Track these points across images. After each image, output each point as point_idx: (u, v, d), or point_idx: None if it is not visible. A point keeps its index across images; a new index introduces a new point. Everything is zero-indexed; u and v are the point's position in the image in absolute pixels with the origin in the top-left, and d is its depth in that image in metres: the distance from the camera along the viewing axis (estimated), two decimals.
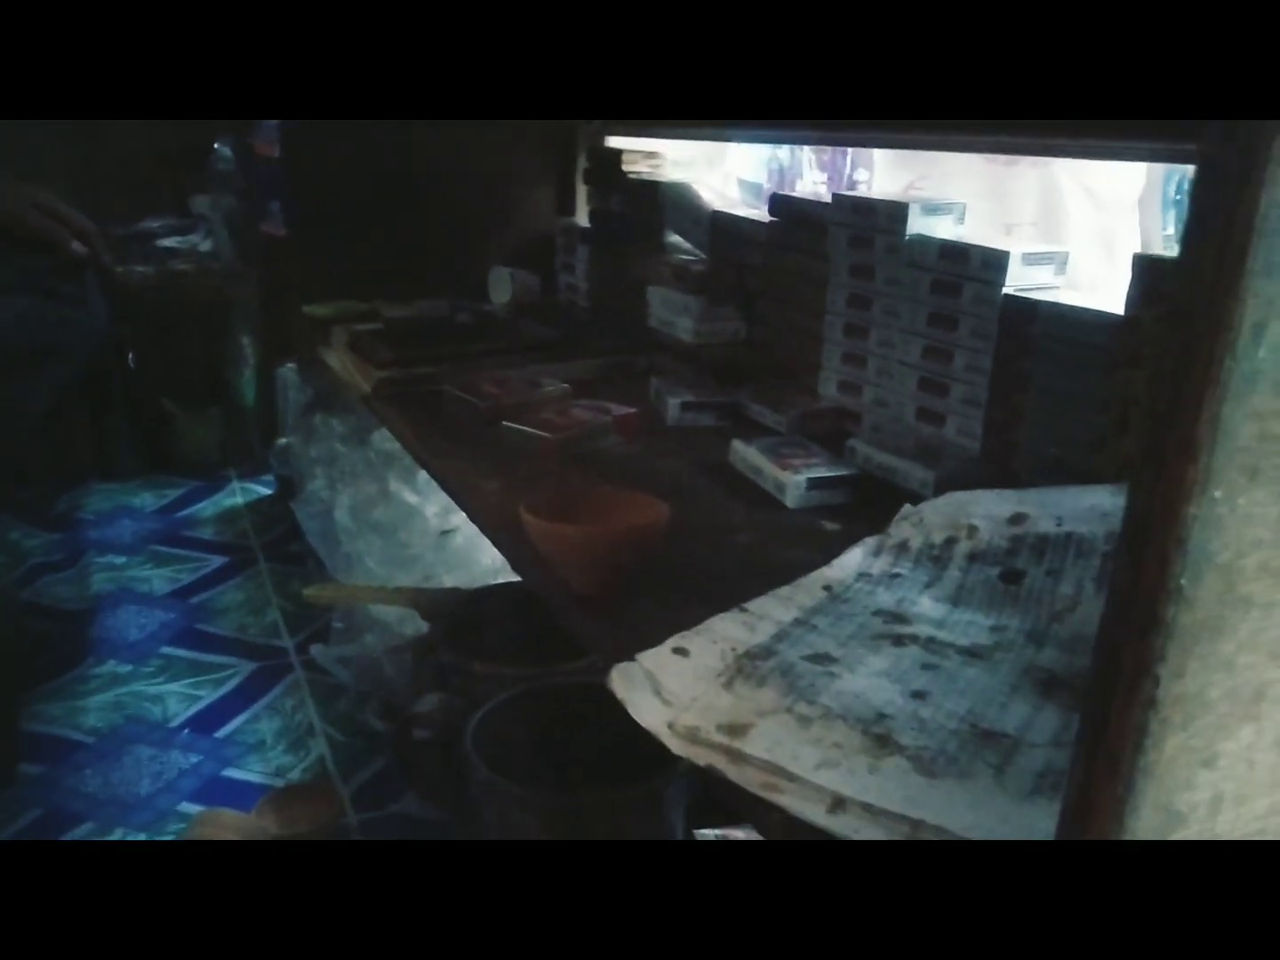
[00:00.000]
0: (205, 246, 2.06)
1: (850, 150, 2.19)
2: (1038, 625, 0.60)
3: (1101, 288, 1.31)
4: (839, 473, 0.81)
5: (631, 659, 0.54)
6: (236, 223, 1.97)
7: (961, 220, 0.93)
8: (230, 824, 1.06)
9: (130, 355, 2.07)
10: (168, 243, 2.06)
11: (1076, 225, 1.75)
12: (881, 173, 1.94)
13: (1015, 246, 0.83)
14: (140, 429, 2.17)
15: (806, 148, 2.32)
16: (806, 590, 0.64)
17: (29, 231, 1.11)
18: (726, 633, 0.57)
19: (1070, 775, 0.28)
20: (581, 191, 1.61)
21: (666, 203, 1.32)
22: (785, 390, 1.07)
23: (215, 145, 1.95)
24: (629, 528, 0.63)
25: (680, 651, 0.55)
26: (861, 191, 2.39)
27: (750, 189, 2.56)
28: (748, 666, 0.53)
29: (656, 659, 0.54)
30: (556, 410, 1.00)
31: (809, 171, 2.44)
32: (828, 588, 0.64)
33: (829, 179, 2.44)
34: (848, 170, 2.42)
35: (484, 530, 0.77)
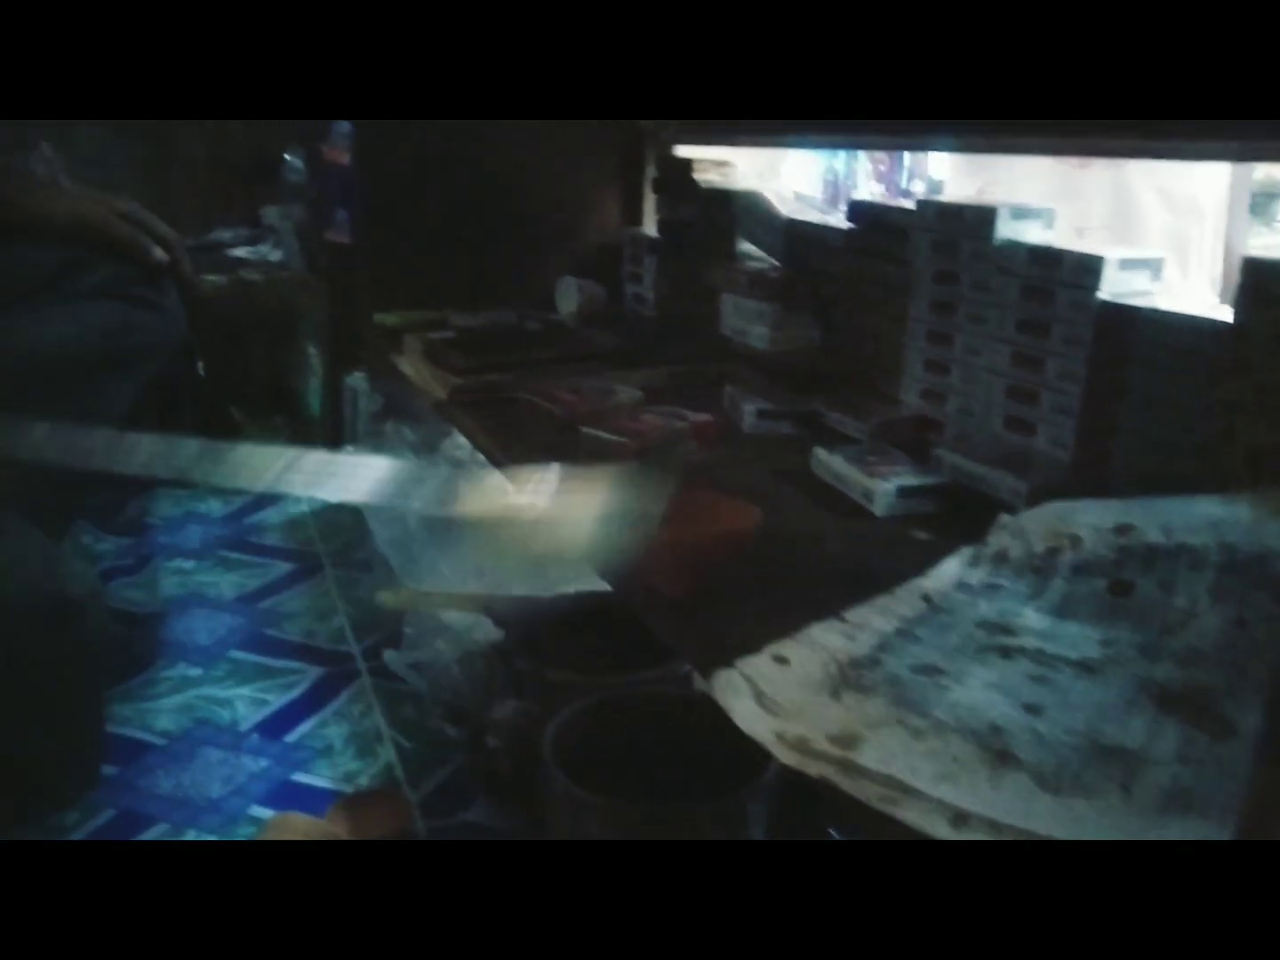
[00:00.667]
0: (275, 257, 2.09)
1: (906, 161, 2.17)
2: (1150, 638, 0.57)
3: (1176, 291, 1.27)
4: (929, 481, 0.79)
5: (730, 665, 0.53)
6: (306, 233, 1.99)
7: (1050, 225, 0.91)
8: (302, 828, 1.06)
9: (200, 363, 2.10)
10: (238, 253, 2.09)
11: (1150, 228, 1.71)
12: (950, 178, 1.92)
13: (1103, 250, 0.81)
14: (207, 437, 2.19)
15: (863, 160, 2.30)
16: (904, 600, 0.62)
17: (112, 238, 1.12)
18: (826, 642, 0.56)
19: (1253, 780, 0.26)
20: (649, 201, 1.60)
21: (739, 211, 1.31)
22: (864, 398, 1.05)
23: (286, 156, 1.98)
24: (721, 531, 0.61)
25: (780, 660, 0.54)
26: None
27: (805, 202, 2.55)
28: (853, 676, 0.52)
29: (756, 666, 0.53)
30: (632, 417, 0.99)
31: (865, 183, 2.42)
32: (926, 598, 0.62)
33: (886, 191, 2.42)
34: (904, 181, 2.40)
35: None
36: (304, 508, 2.11)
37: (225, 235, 2.13)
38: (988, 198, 1.77)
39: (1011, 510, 0.77)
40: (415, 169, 1.51)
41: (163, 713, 1.36)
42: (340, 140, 1.43)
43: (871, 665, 0.53)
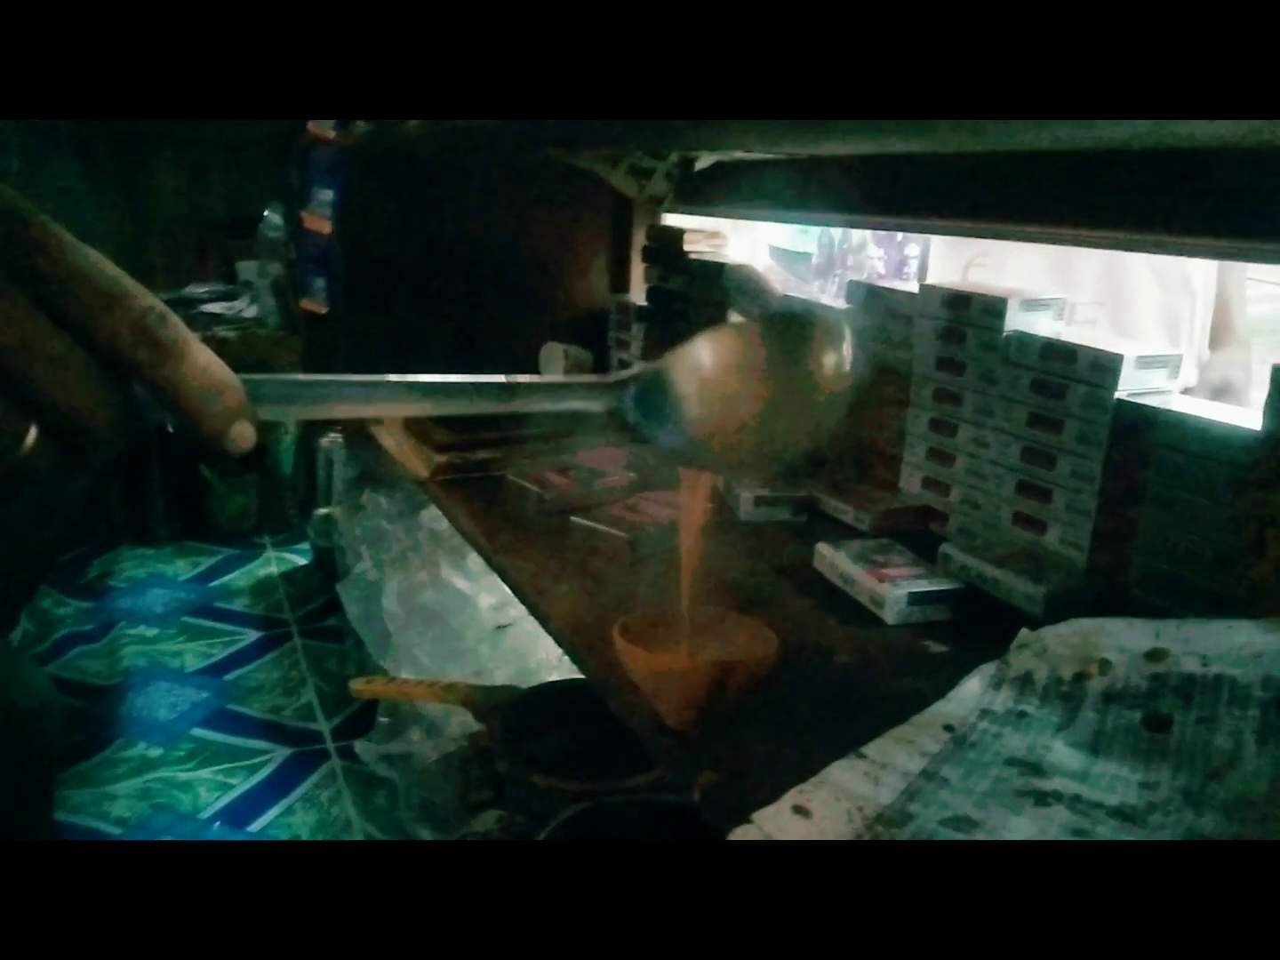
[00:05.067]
0: (250, 313, 2.04)
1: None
2: (1192, 784, 0.53)
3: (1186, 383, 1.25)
4: (941, 587, 0.75)
5: (747, 821, 0.48)
6: (283, 290, 1.95)
7: (1061, 316, 0.88)
8: None
9: (170, 424, 2.04)
10: (213, 308, 2.04)
11: (1141, 303, 1.70)
12: (939, 248, 1.91)
13: (1120, 347, 0.79)
14: (175, 494, 2.13)
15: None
16: (926, 730, 0.58)
17: None
18: (849, 787, 0.51)
19: None
20: (637, 268, 1.57)
21: (730, 284, 1.28)
22: (862, 484, 1.02)
23: (265, 212, 1.94)
24: (738, 663, 0.57)
25: (801, 811, 0.49)
26: (913, 266, 2.37)
27: (796, 258, 2.53)
28: (884, 835, 0.47)
29: (776, 821, 0.48)
30: (625, 504, 0.95)
31: (868, 246, 2.41)
32: (949, 728, 0.58)
33: (885, 255, 2.41)
34: (900, 244, 2.40)
35: (563, 647, 0.72)
36: (272, 570, 2.05)
37: (200, 290, 2.08)
38: (979, 266, 1.75)
39: (1028, 618, 0.73)
40: (400, 231, 1.47)
41: (120, 798, 1.29)
42: (321, 207, 1.39)
43: (903, 821, 0.48)
